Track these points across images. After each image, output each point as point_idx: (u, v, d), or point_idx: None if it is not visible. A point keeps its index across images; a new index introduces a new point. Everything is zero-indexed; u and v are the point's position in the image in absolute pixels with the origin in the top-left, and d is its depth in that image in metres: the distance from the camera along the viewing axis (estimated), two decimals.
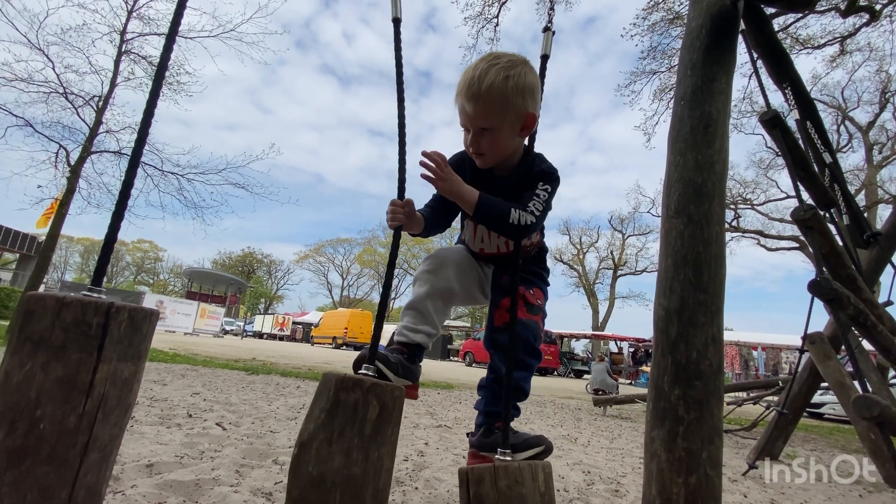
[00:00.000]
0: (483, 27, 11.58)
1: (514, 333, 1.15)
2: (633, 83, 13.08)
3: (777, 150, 17.80)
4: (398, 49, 1.21)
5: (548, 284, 1.42)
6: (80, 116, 8.52)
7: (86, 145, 8.37)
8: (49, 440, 0.65)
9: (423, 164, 1.10)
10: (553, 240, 40.34)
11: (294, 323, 34.51)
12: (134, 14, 8.70)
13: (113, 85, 8.61)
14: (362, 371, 0.99)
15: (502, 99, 1.11)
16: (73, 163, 8.38)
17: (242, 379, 5.65)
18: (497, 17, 11.46)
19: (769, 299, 69.62)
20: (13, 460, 0.63)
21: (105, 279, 0.86)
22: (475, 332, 28.84)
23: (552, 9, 1.35)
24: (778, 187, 21.63)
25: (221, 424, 2.81)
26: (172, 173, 9.06)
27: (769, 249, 23.41)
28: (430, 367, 14.34)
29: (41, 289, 9.76)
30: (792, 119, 2.83)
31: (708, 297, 1.14)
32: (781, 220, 22.11)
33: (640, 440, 4.64)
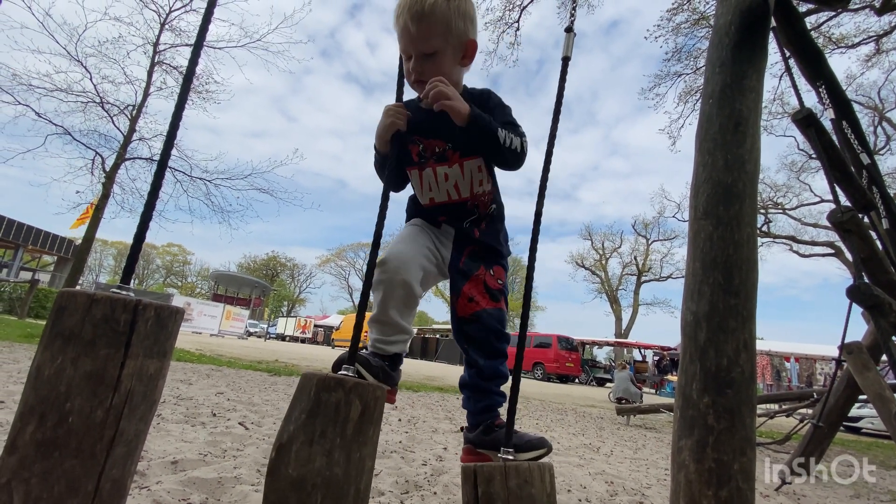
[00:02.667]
0: (504, 32, 11.59)
1: (484, 326, 1.21)
2: (657, 86, 12.86)
3: (810, 152, 17.19)
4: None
5: (509, 253, 1.37)
6: (115, 125, 8.91)
7: (120, 152, 8.73)
8: (77, 433, 0.66)
9: (430, 94, 1.09)
10: (575, 245, 39.96)
11: (316, 326, 34.98)
12: (166, 26, 9.05)
13: (146, 94, 8.97)
14: (342, 372, 0.98)
15: (445, 20, 1.11)
16: (108, 169, 8.74)
17: (265, 380, 5.74)
18: (518, 21, 11.46)
19: (803, 308, 67.03)
20: (42, 452, 0.64)
21: (136, 281, 0.88)
22: None
23: (574, 9, 1.33)
24: (811, 191, 20.84)
25: (244, 424, 2.85)
26: (201, 179, 9.37)
27: (802, 255, 22.56)
28: (448, 372, 14.29)
29: None
30: (826, 119, 2.71)
31: (739, 302, 1.10)
32: (815, 226, 21.28)
33: (666, 451, 4.50)
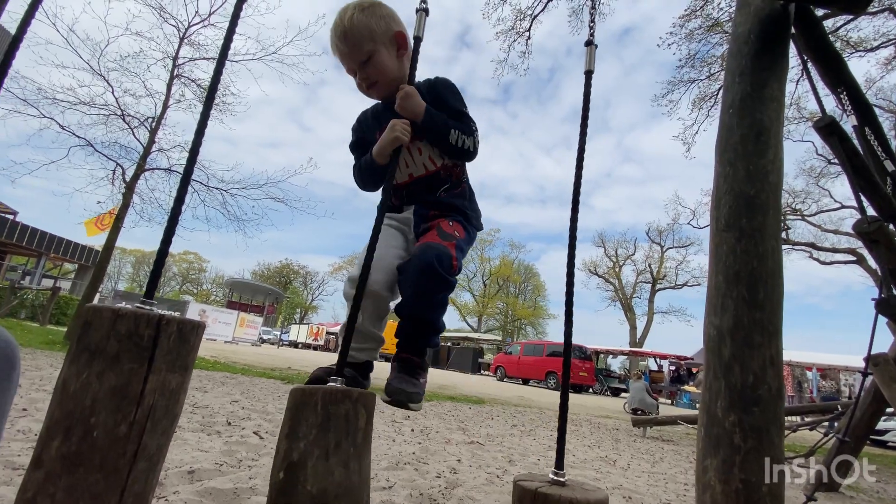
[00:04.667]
0: (514, 41, 11.64)
1: (419, 254, 1.11)
2: (670, 92, 12.73)
3: (829, 157, 16.83)
4: (413, 66, 1.28)
5: (475, 227, 1.36)
6: (135, 136, 9.11)
7: (140, 163, 8.92)
8: (101, 448, 0.66)
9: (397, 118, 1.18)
10: (588, 252, 39.57)
11: (328, 333, 35.11)
12: (185, 41, 9.27)
13: (165, 107, 9.17)
14: (331, 384, 0.97)
15: (366, 26, 1.25)
16: (128, 179, 8.94)
17: (278, 388, 5.77)
18: (528, 30, 11.50)
19: (824, 316, 65.04)
20: (67, 467, 0.65)
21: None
22: (507, 345, 28.45)
23: (593, 21, 1.32)
24: (831, 196, 20.31)
25: (258, 433, 2.86)
26: (217, 188, 9.51)
27: (823, 263, 22.00)
28: (461, 381, 14.19)
29: (96, 297, 10.40)
30: (848, 125, 2.65)
31: (764, 316, 1.06)
32: (836, 232, 20.77)
33: (684, 464, 4.39)
